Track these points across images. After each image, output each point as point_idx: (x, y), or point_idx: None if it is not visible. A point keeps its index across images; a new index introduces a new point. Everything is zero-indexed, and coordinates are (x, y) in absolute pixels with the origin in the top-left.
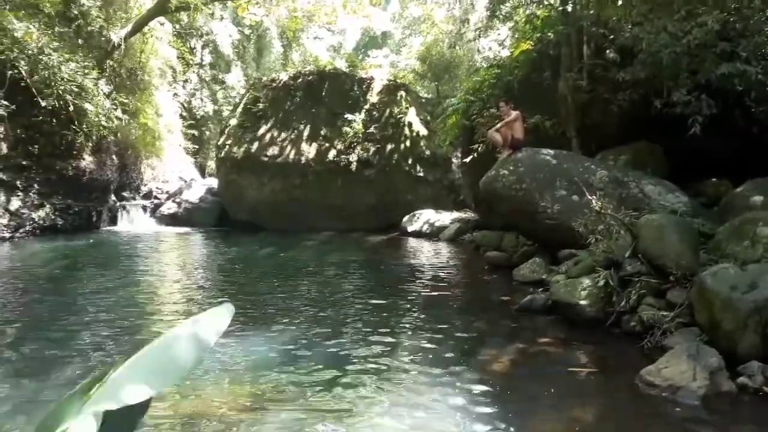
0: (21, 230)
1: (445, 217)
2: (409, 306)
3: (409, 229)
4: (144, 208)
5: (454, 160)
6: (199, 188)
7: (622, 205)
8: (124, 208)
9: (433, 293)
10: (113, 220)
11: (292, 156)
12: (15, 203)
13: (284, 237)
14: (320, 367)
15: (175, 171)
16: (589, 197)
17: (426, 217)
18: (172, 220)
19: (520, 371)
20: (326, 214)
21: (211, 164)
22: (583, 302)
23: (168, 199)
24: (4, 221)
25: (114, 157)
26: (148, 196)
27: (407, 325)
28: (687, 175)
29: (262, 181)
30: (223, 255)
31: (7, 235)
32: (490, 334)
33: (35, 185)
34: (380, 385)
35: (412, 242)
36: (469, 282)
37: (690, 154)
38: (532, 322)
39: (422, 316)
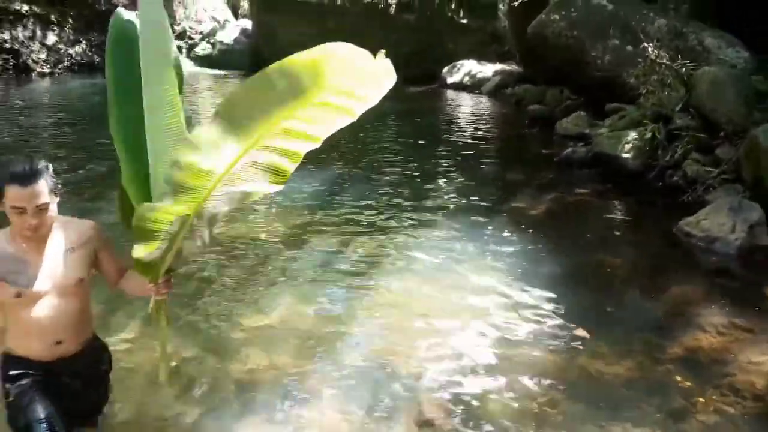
0: (60, 66)
1: (487, 69)
2: (445, 155)
3: (449, 80)
4: (179, 48)
5: (500, 6)
6: (233, 29)
7: (679, 56)
8: None
9: (470, 144)
10: None
11: None
12: (51, 38)
13: None
14: (353, 207)
15: (208, 10)
16: (646, 45)
17: (467, 68)
18: (206, 61)
19: (555, 218)
20: None
21: (245, 5)
22: (626, 155)
23: (202, 39)
24: (43, 56)
25: None
26: (182, 36)
27: (442, 173)
28: (752, 29)
29: (295, 23)
30: None
31: (47, 70)
32: (526, 184)
33: (69, 20)
34: (413, 224)
35: (451, 94)
36: (508, 135)
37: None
38: (571, 174)
39: (458, 165)
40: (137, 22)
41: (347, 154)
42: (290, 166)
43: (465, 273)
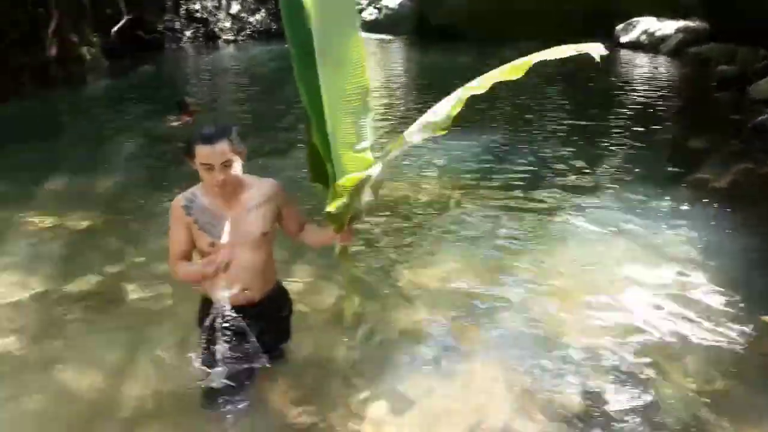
0: (242, 33)
1: (667, 26)
2: (617, 121)
3: (623, 39)
4: None
5: None
6: None
7: None
8: None
9: (647, 109)
10: None
11: None
12: (235, 7)
13: (482, 46)
14: (515, 173)
15: None
16: None
17: (644, 25)
18: (373, 26)
19: (743, 192)
20: (529, 21)
21: None
22: None
23: (369, 4)
24: (228, 24)
25: None
26: None
27: (615, 140)
28: None
29: None
30: (422, 62)
31: (231, 37)
32: (712, 153)
33: None
34: (580, 192)
35: (626, 54)
36: (692, 99)
37: None
38: (765, 143)
39: (632, 131)
40: None
41: (511, 119)
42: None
43: (636, 247)
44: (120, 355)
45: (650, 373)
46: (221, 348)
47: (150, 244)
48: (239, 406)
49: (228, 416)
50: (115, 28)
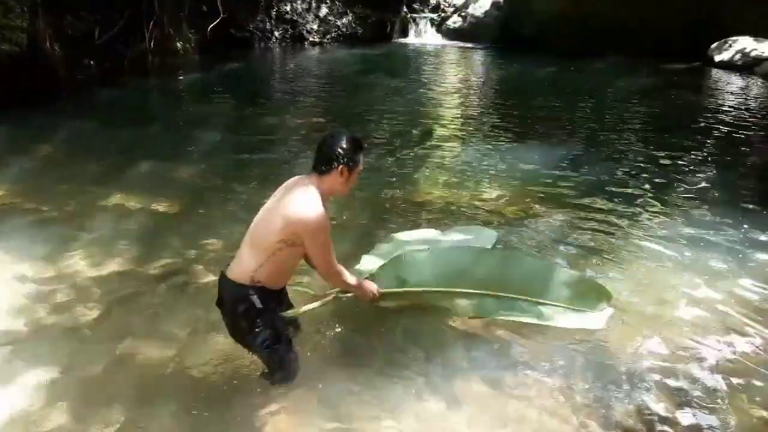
0: (328, 36)
1: (765, 47)
2: (701, 141)
3: (717, 58)
4: (431, 21)
5: None
6: (485, 1)
7: None
8: (414, 20)
9: (735, 131)
10: (404, 32)
11: None
12: (323, 10)
13: (567, 58)
14: (588, 186)
15: None
16: None
17: (741, 44)
18: (456, 34)
19: None
20: (617, 35)
21: None
22: None
23: (454, 12)
24: (315, 27)
25: None
26: (435, 9)
27: (697, 161)
28: None
29: None
30: (503, 72)
31: (317, 39)
32: None
33: None
34: (655, 210)
35: (717, 74)
36: None
37: None
38: None
39: (717, 153)
40: None
41: (587, 132)
42: None
43: (708, 268)
44: (188, 334)
45: (716, 397)
46: (281, 327)
47: (225, 231)
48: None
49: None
50: (212, 26)
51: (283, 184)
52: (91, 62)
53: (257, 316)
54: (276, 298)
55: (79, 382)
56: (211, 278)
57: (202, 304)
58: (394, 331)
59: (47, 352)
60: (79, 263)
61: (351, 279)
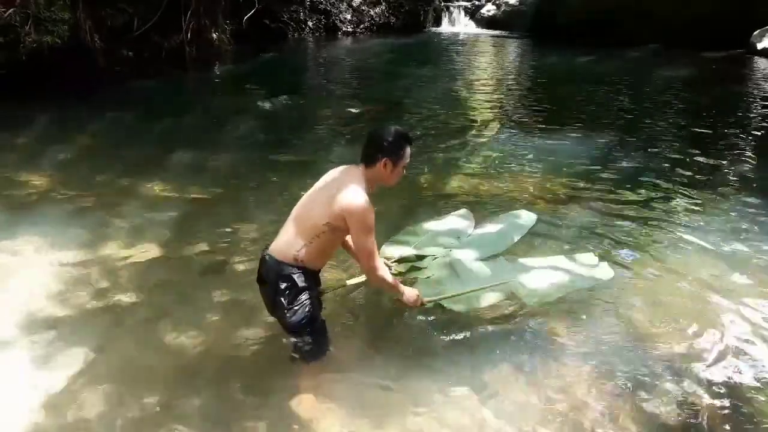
0: (361, 26)
1: None
2: (738, 134)
3: (759, 45)
4: (465, 9)
5: None
6: None
7: None
8: (447, 9)
9: None
10: (437, 21)
11: None
12: (356, 0)
13: (601, 48)
14: (622, 177)
15: None
16: None
17: None
18: (490, 23)
19: None
20: (656, 24)
21: None
22: None
23: (488, 1)
24: (348, 16)
25: None
26: None
27: (735, 149)
28: None
29: None
30: (538, 61)
31: (350, 29)
32: None
33: None
34: (692, 201)
35: (760, 63)
36: None
37: None
38: None
39: (757, 143)
40: None
41: (624, 122)
42: None
43: (747, 262)
44: (222, 318)
45: (750, 393)
46: (318, 307)
47: (257, 219)
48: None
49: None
50: (246, 17)
51: (330, 171)
52: (130, 53)
53: (298, 293)
54: (316, 278)
55: (117, 366)
56: (245, 264)
57: (237, 288)
58: (420, 319)
59: (87, 336)
60: (117, 249)
61: (392, 279)
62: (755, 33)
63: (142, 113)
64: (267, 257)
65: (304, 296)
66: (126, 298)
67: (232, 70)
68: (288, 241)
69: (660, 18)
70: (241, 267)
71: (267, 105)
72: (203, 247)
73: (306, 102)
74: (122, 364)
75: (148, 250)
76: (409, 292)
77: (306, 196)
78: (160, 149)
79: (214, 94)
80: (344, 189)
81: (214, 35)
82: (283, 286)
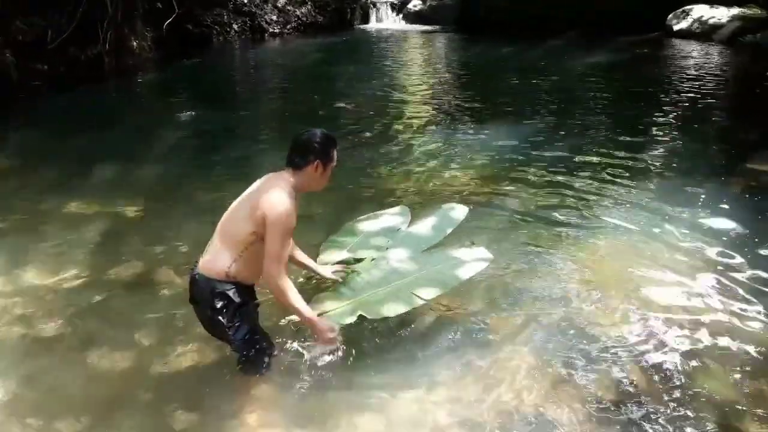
0: (288, 26)
1: (721, 13)
2: (663, 112)
3: (675, 27)
4: (392, 5)
5: None
6: None
7: None
8: (374, 5)
9: (695, 100)
10: (365, 18)
11: None
12: (281, 0)
13: (526, 38)
14: (553, 163)
15: None
16: None
17: (697, 13)
18: (417, 18)
19: None
20: (577, 9)
21: None
22: None
23: None
24: (274, 17)
25: None
26: None
27: (660, 132)
28: None
29: None
30: (465, 54)
31: (277, 30)
32: (763, 144)
33: None
34: (619, 183)
35: (677, 44)
36: (745, 88)
37: None
38: None
39: (679, 123)
40: None
41: (551, 109)
42: None
43: (677, 240)
44: (155, 338)
45: (688, 369)
46: (258, 320)
47: (187, 232)
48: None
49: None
50: (167, 23)
51: (256, 181)
52: (45, 67)
53: (236, 309)
54: (251, 292)
55: (45, 396)
56: (178, 279)
57: (169, 305)
58: (356, 324)
59: (11, 368)
60: (38, 274)
61: (299, 303)
62: (670, 16)
63: (61, 128)
64: (197, 276)
65: (242, 311)
66: (52, 324)
67: (156, 79)
68: (217, 257)
69: (580, 6)
70: (172, 281)
71: (192, 113)
72: (132, 265)
73: (234, 109)
74: (51, 394)
75: (72, 272)
76: (322, 324)
77: (231, 208)
78: (81, 165)
79: (136, 104)
80: (266, 193)
81: (135, 43)
82: (219, 304)
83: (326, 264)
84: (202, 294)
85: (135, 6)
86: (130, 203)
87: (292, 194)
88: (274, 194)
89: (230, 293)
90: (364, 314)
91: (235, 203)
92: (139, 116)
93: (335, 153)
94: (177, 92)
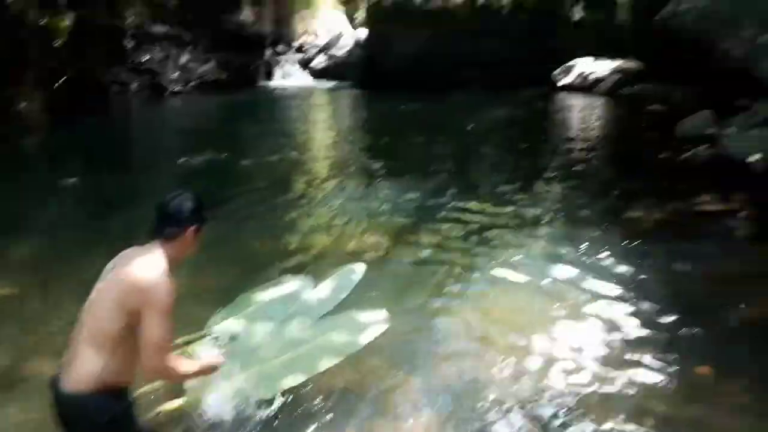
0: (189, 84)
1: (602, 68)
2: (554, 162)
3: (562, 82)
4: (298, 61)
5: None
6: (347, 41)
7: None
8: (278, 62)
9: (581, 149)
10: (269, 75)
11: (440, 2)
12: (183, 57)
13: (429, 94)
14: (450, 217)
15: (326, 22)
16: None
17: (580, 68)
18: (322, 74)
19: (671, 230)
20: (474, 68)
21: (361, 14)
22: (756, 156)
23: (319, 53)
24: (175, 75)
25: (270, 10)
26: (300, 49)
27: (551, 181)
28: None
29: (410, 31)
30: (368, 111)
31: (179, 88)
32: (642, 192)
33: (199, 40)
34: (515, 236)
35: (564, 97)
36: (624, 138)
37: None
38: (691, 180)
39: (567, 172)
40: None
41: (449, 163)
42: None
43: (565, 290)
44: None
45: (578, 419)
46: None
47: (70, 313)
48: None
49: None
50: (58, 83)
51: (115, 259)
52: None
53: (123, 421)
54: (129, 392)
55: None
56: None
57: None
58: (256, 402)
59: None
60: None
61: (193, 367)
62: (555, 72)
63: None
64: (63, 394)
65: (131, 421)
66: None
67: (45, 143)
68: (85, 364)
69: (479, 64)
70: (49, 371)
71: (78, 179)
72: (1, 352)
73: (125, 173)
74: None
75: None
76: (210, 361)
77: (91, 299)
78: None
79: (20, 171)
80: (138, 271)
81: (23, 106)
82: (102, 421)
83: (217, 339)
84: (76, 413)
85: (23, 67)
86: (6, 282)
87: (167, 270)
88: (148, 273)
89: (110, 405)
90: (257, 390)
91: (95, 293)
92: (21, 184)
93: (206, 218)
94: (64, 157)
